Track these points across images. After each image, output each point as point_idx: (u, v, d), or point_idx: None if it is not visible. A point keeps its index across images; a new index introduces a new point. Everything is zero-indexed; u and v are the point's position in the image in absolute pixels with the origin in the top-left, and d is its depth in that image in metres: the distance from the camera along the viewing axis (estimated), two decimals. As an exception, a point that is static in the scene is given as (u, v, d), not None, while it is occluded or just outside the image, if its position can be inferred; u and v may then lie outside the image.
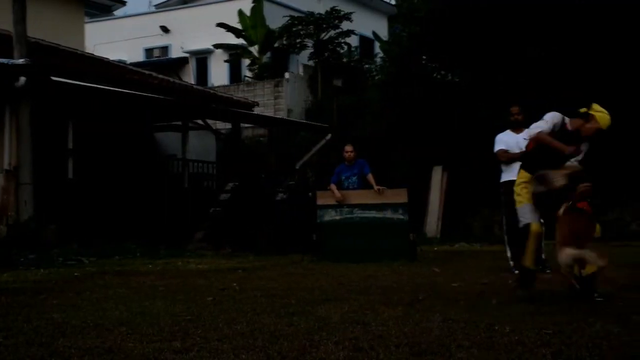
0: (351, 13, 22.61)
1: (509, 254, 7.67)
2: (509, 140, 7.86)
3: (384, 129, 17.57)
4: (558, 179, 5.26)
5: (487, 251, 11.19)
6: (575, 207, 5.16)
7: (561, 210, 5.18)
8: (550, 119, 5.43)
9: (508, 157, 7.75)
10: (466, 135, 15.81)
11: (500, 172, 7.97)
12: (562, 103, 14.91)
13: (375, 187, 9.68)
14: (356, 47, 24.66)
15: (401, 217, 9.50)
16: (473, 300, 5.20)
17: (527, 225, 5.46)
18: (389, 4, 26.43)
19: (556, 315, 4.34)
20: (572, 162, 5.46)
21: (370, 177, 9.89)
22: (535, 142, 5.53)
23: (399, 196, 9.65)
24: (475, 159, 15.46)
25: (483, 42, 16.34)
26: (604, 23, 14.60)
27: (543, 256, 7.60)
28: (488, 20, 16.18)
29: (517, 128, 7.89)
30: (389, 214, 9.51)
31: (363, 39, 26.43)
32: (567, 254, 4.87)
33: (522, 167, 5.77)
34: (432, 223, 15.57)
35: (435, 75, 18.89)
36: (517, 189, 5.69)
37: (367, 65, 23.77)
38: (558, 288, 5.74)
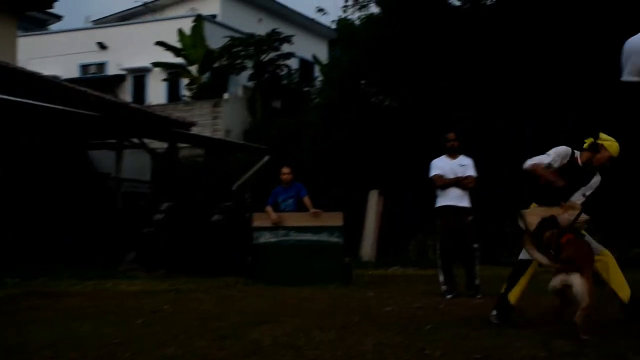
0: (292, 36, 22.77)
1: (441, 279, 7.76)
2: (444, 166, 7.96)
3: (322, 151, 17.65)
4: (532, 222, 5.26)
5: (421, 275, 11.29)
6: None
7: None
8: (553, 153, 5.42)
9: (443, 182, 7.85)
10: (402, 159, 16.03)
11: (435, 197, 8.06)
12: (498, 128, 15.34)
13: (312, 210, 9.70)
14: (296, 70, 24.79)
15: (336, 240, 9.51)
16: (406, 324, 5.23)
17: (525, 261, 5.48)
18: (329, 28, 26.70)
19: (485, 340, 4.41)
20: (578, 196, 5.52)
21: (306, 199, 9.90)
22: (527, 174, 5.53)
23: (335, 219, 9.68)
24: (411, 184, 15.68)
25: (421, 68, 16.67)
26: (539, 49, 15.05)
27: (476, 282, 7.74)
28: (426, 47, 16.53)
29: (453, 154, 8.03)
30: (324, 237, 9.51)
31: (303, 61, 26.61)
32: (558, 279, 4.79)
33: (532, 199, 5.72)
34: (368, 247, 15.64)
35: (373, 99, 19.14)
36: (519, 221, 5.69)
37: (306, 88, 23.91)
38: (487, 313, 5.84)
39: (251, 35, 22.47)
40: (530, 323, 5.24)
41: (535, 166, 5.43)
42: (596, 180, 5.49)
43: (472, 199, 7.93)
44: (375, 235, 15.74)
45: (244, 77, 23.18)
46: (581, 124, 11.27)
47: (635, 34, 3.45)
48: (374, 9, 18.98)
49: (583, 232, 5.27)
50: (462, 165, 7.96)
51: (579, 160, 5.41)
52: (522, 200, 5.76)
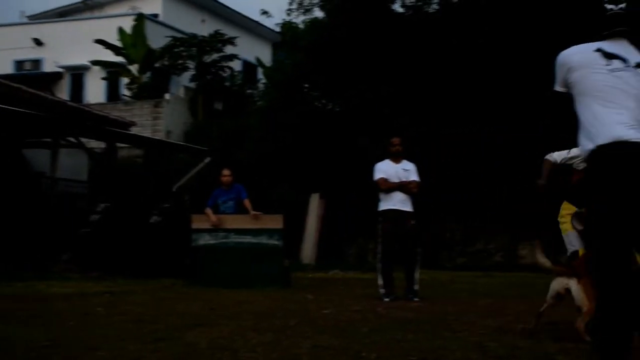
0: (235, 37, 22.65)
1: (380, 282, 7.80)
2: (388, 170, 7.99)
3: (264, 154, 17.59)
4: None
5: (360, 279, 11.36)
6: None
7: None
8: (575, 150, 5.37)
9: (388, 186, 7.88)
10: (344, 163, 16.10)
11: (378, 200, 8.09)
12: (443, 134, 15.53)
13: (252, 213, 9.65)
14: (239, 72, 24.66)
15: (276, 243, 9.48)
16: (343, 327, 5.23)
17: (576, 252, 5.45)
18: (273, 31, 26.65)
19: (421, 343, 4.43)
20: None
21: (247, 202, 9.84)
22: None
23: (275, 222, 9.64)
24: (352, 188, 15.76)
25: (364, 72, 16.80)
26: (482, 56, 15.33)
27: (416, 286, 7.81)
28: (370, 52, 16.67)
29: (397, 158, 8.09)
30: (264, 240, 9.47)
31: (246, 64, 26.49)
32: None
33: (566, 199, 5.71)
34: (308, 250, 15.66)
35: (316, 103, 19.19)
36: (562, 218, 5.68)
37: (249, 91, 23.80)
38: (424, 316, 5.90)
39: (194, 36, 22.26)
40: (466, 325, 5.31)
41: (545, 161, 5.51)
42: None
43: (414, 204, 8.00)
44: (316, 239, 15.78)
45: (185, 78, 22.93)
46: (548, 129, 11.46)
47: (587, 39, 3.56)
48: (318, 13, 19.07)
49: None
50: (406, 170, 8.03)
51: None
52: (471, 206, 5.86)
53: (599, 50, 3.35)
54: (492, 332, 4.96)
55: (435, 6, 17.71)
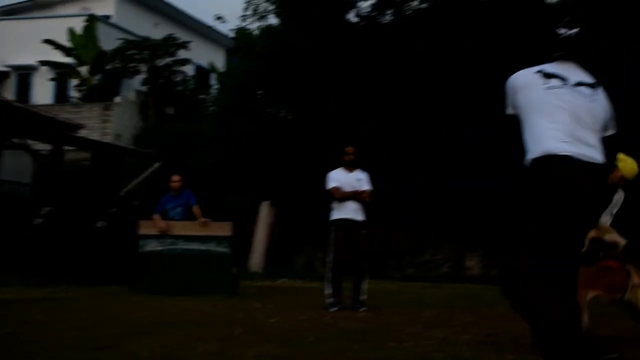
0: (188, 42, 22.45)
1: (328, 291, 7.78)
2: (341, 179, 7.97)
3: (215, 160, 17.45)
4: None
5: (308, 288, 11.34)
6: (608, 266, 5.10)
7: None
8: None
9: (341, 195, 7.86)
10: (295, 171, 16.09)
11: (329, 209, 8.08)
12: (396, 143, 15.62)
13: (200, 219, 9.55)
14: (192, 77, 24.44)
15: (224, 250, 9.40)
16: (289, 336, 5.19)
17: None
18: (227, 36, 26.51)
19: (367, 353, 4.43)
20: (606, 215, 5.59)
21: (196, 208, 9.74)
22: None
23: (224, 229, 9.56)
24: (302, 196, 15.75)
25: (318, 81, 16.83)
26: (441, 65, 15.51)
27: (363, 297, 7.82)
28: (324, 61, 16.71)
29: (350, 167, 8.10)
30: (212, 247, 9.38)
31: (199, 68, 26.30)
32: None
33: None
34: (257, 258, 15.57)
35: (269, 110, 19.13)
36: None
37: (202, 96, 23.60)
38: (371, 326, 5.91)
39: (146, 39, 21.98)
40: (412, 335, 5.33)
41: None
42: (619, 197, 5.63)
43: (367, 213, 8.02)
44: (265, 247, 15.70)
45: (137, 81, 22.62)
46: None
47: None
48: (273, 20, 19.02)
49: None
50: (359, 180, 8.05)
51: None
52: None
53: (539, 71, 3.49)
54: (437, 342, 4.99)
55: (389, 17, 17.87)
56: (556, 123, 3.33)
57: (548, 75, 3.47)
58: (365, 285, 7.90)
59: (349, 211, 7.88)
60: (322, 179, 8.15)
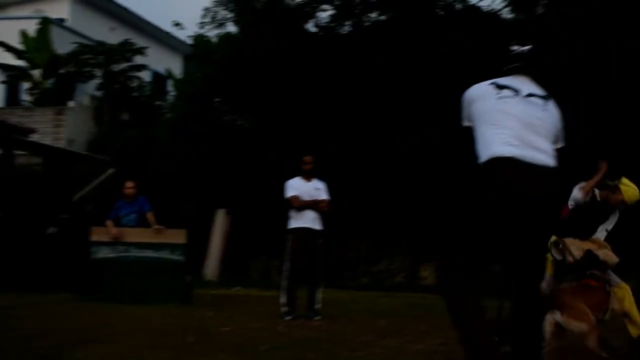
0: (145, 48, 22.19)
1: (283, 300, 7.75)
2: (300, 187, 7.96)
3: (171, 167, 17.27)
4: (575, 252, 5.34)
5: (262, 296, 11.27)
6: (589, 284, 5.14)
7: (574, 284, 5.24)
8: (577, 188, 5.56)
9: (300, 204, 7.84)
10: (252, 180, 16.02)
11: (285, 218, 8.05)
12: (353, 153, 15.68)
13: (154, 226, 9.43)
14: (148, 83, 24.16)
15: (178, 258, 9.29)
16: (242, 345, 5.15)
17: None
18: (185, 43, 26.32)
19: (320, 361, 4.43)
20: (601, 232, 5.63)
21: (150, 215, 9.62)
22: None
23: (178, 237, 9.46)
24: (259, 204, 15.68)
25: (275, 90, 16.82)
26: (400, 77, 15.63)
27: (318, 305, 7.82)
28: (282, 70, 16.71)
29: (308, 176, 8.09)
30: (166, 254, 9.26)
31: (156, 74, 26.00)
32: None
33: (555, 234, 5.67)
34: (212, 266, 15.43)
35: (226, 118, 19.03)
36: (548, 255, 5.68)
37: (158, 102, 23.33)
38: (324, 335, 5.90)
39: (102, 43, 21.65)
40: (365, 344, 5.33)
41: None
42: (614, 216, 5.71)
43: (324, 223, 8.03)
44: (220, 255, 15.58)
45: (92, 86, 22.25)
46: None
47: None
48: (231, 28, 18.96)
49: None
50: (317, 189, 8.06)
51: (598, 197, 5.61)
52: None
53: (493, 83, 3.60)
54: (390, 351, 5.01)
55: (348, 28, 17.97)
56: (505, 129, 3.40)
57: (500, 87, 3.56)
58: (320, 294, 7.90)
59: (307, 220, 7.87)
60: (279, 188, 8.13)
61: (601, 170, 5.58)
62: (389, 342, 5.53)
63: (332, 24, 17.83)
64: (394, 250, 16.04)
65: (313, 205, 7.89)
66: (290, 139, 15.81)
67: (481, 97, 3.58)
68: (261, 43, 17.00)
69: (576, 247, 5.36)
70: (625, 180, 5.61)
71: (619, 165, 5.86)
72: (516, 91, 3.54)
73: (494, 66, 3.94)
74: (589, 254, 5.28)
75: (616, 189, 5.52)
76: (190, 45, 24.51)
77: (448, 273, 3.44)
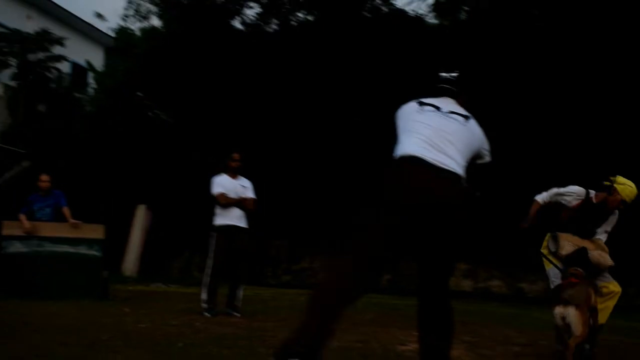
0: (64, 38, 21.52)
1: (204, 297, 7.70)
2: (227, 185, 7.93)
3: (90, 161, 16.84)
4: (566, 247, 5.40)
5: (182, 293, 11.15)
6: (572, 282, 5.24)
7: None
8: (565, 190, 5.68)
9: (227, 201, 7.81)
10: (173, 175, 15.83)
11: (208, 214, 7.99)
12: (277, 152, 15.65)
13: (71, 221, 9.19)
14: (67, 74, 23.44)
15: (95, 253, 9.09)
16: (158, 341, 5.09)
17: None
18: (107, 35, 25.67)
19: (237, 358, 4.43)
20: (602, 233, 5.68)
21: (66, 210, 9.37)
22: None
23: (95, 232, 9.25)
24: (180, 201, 15.51)
25: (199, 86, 16.64)
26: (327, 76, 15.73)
27: (237, 303, 7.81)
28: (207, 66, 16.55)
29: (234, 174, 8.07)
30: (82, 250, 9.05)
31: (76, 66, 25.24)
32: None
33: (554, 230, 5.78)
34: (131, 262, 15.17)
35: (149, 113, 18.70)
36: (545, 251, 5.76)
37: (77, 95, 22.67)
38: (242, 332, 5.90)
39: (17, 32, 20.87)
40: (282, 341, 5.35)
41: (534, 202, 5.73)
42: (613, 217, 5.73)
43: (249, 221, 8.03)
44: (140, 251, 15.32)
45: (6, 75, 21.42)
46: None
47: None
48: (155, 21, 18.66)
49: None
50: (244, 187, 8.04)
51: (594, 199, 5.65)
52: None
53: (418, 102, 3.77)
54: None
55: (274, 26, 17.97)
56: (420, 135, 3.54)
57: (423, 104, 3.74)
58: (241, 292, 7.90)
59: (233, 217, 7.86)
60: (201, 184, 8.06)
61: (534, 207, 5.78)
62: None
63: (258, 22, 17.79)
64: (315, 249, 16.15)
65: (239, 203, 7.88)
66: (214, 136, 15.70)
67: (406, 112, 3.75)
68: (186, 38, 16.81)
69: (571, 243, 5.48)
70: (620, 178, 5.64)
71: (613, 166, 6.02)
72: (438, 108, 3.71)
73: (421, 80, 4.11)
74: (581, 251, 5.39)
75: (613, 190, 5.57)
76: (113, 37, 23.93)
77: (335, 266, 3.39)
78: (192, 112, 16.88)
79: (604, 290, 5.52)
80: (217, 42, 16.85)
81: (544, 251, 5.79)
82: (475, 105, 3.93)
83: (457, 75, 3.95)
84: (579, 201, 5.67)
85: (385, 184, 3.38)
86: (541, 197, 5.86)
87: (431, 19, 16.64)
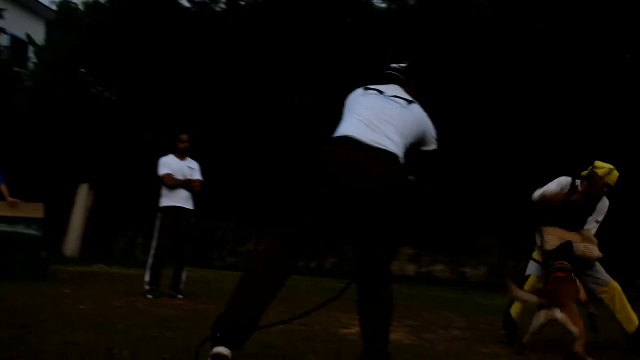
0: (3, 10, 20.77)
1: (147, 278, 7.60)
2: (174, 166, 7.85)
3: (30, 138, 16.37)
4: (550, 241, 5.37)
5: (125, 274, 10.98)
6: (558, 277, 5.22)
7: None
8: (556, 182, 5.68)
9: (174, 183, 7.74)
10: (117, 155, 15.53)
11: (152, 195, 7.89)
12: (225, 135, 15.51)
13: (9, 199, 8.93)
14: (6, 48, 22.66)
15: (34, 233, 8.85)
16: (99, 323, 4.98)
17: (527, 277, 5.68)
18: (49, 8, 24.90)
19: (178, 341, 4.37)
20: (592, 223, 5.62)
21: (3, 187, 9.08)
22: (539, 204, 5.65)
23: (35, 211, 9.00)
24: (124, 180, 15.23)
25: (145, 64, 16.32)
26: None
27: (181, 285, 7.74)
28: (153, 44, 16.24)
29: (182, 155, 7.96)
30: (21, 229, 8.79)
31: (15, 40, 24.43)
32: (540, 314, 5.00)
33: (544, 223, 5.74)
34: (72, 242, 14.85)
35: (92, 90, 18.28)
36: (537, 237, 5.73)
37: (17, 69, 21.94)
38: (185, 314, 5.85)
39: (-48, 2, 20.07)
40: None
41: (543, 195, 5.65)
42: (603, 205, 5.68)
43: (196, 203, 7.95)
44: (82, 231, 15.01)
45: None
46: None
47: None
48: (100, -5, 18.20)
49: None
50: (191, 168, 7.96)
51: (579, 188, 5.61)
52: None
53: (364, 87, 3.80)
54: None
55: (223, 5, 17.74)
56: (359, 116, 3.54)
57: (368, 89, 3.77)
58: (185, 274, 7.84)
59: (179, 199, 7.79)
60: (149, 164, 7.94)
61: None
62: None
63: (206, 1, 17.54)
64: (261, 232, 16.13)
65: (186, 184, 7.80)
66: (163, 115, 15.45)
67: (352, 97, 3.77)
68: (131, 14, 16.45)
69: (556, 237, 5.46)
70: (598, 163, 5.62)
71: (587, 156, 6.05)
72: (380, 92, 3.73)
73: (369, 63, 4.16)
74: (565, 245, 5.37)
75: (593, 175, 5.56)
76: (55, 11, 23.22)
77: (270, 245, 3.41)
78: (139, 90, 16.56)
79: (604, 296, 5.54)
80: (163, 20, 16.54)
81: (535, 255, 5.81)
82: (425, 95, 3.97)
83: (407, 66, 3.98)
84: (564, 192, 5.66)
85: (320, 164, 3.35)
86: (548, 188, 5.78)
87: (380, 3, 16.70)
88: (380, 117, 3.50)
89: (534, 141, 13.25)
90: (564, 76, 13.17)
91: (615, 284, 5.55)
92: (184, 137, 8.02)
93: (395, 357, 3.83)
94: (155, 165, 7.93)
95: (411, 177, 3.68)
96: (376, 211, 3.24)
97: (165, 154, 8.02)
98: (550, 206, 5.69)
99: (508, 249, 14.47)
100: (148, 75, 16.34)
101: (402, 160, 3.42)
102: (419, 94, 3.91)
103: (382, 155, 3.31)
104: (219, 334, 3.14)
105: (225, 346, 3.10)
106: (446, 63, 13.50)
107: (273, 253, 3.32)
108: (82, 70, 18.09)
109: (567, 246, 5.37)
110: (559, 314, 4.83)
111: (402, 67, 3.97)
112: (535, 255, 5.73)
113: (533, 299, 5.06)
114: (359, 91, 3.78)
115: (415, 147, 3.69)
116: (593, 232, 5.66)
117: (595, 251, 5.42)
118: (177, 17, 16.85)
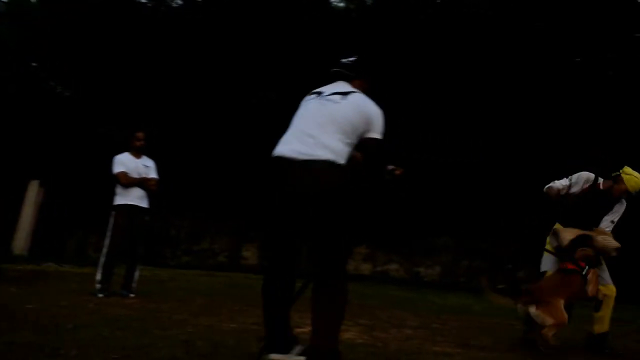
0: (-49, 0, 20.25)
1: (99, 277, 7.45)
2: (129, 164, 7.73)
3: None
4: (566, 237, 5.37)
5: (76, 273, 10.76)
6: (566, 268, 5.29)
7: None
8: (575, 177, 5.70)
9: (129, 181, 7.62)
10: (69, 151, 15.24)
11: (111, 194, 7.75)
12: (181, 132, 15.34)
13: (-46, 195, 8.69)
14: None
15: (-19, 230, 8.63)
16: (46, 323, 4.87)
17: (544, 273, 5.64)
18: (-1, 0, 24.32)
19: (128, 340, 4.30)
20: (607, 223, 5.60)
21: (-51, 183, 8.84)
22: (546, 197, 5.68)
23: (-18, 208, 8.78)
24: (77, 178, 14.95)
25: (100, 59, 16.06)
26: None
27: (133, 284, 7.62)
28: (107, 39, 15.98)
29: (138, 153, 7.85)
30: (-34, 226, 8.57)
31: (-35, 31, 23.82)
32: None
33: (558, 219, 5.76)
34: (21, 240, 14.50)
35: (44, 85, 17.88)
36: (548, 247, 5.72)
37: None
38: (137, 313, 5.76)
39: None
40: (177, 323, 5.27)
41: (549, 189, 5.68)
42: (620, 207, 5.69)
43: (150, 201, 7.84)
44: (31, 228, 14.67)
45: None
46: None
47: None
48: (53, -13, 17.80)
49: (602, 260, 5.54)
50: (147, 167, 7.85)
51: (601, 186, 5.66)
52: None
53: (311, 92, 3.93)
54: (202, 330, 4.99)
55: (179, 1, 17.55)
56: (294, 128, 3.74)
57: (312, 93, 3.90)
58: (137, 272, 7.72)
59: (134, 197, 7.68)
60: (100, 161, 7.80)
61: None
62: (202, 321, 5.51)
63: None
64: (217, 230, 16.02)
65: (141, 183, 7.69)
66: (119, 112, 15.21)
67: (300, 105, 3.92)
68: (85, 7, 16.15)
69: (573, 233, 5.50)
70: (627, 169, 5.71)
71: (621, 156, 6.13)
72: (320, 93, 3.84)
73: (324, 63, 4.20)
74: (581, 237, 5.42)
75: (619, 179, 5.64)
76: (4, 2, 22.67)
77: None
78: (93, 85, 16.28)
79: (598, 295, 5.59)
80: (119, 14, 16.29)
81: (548, 247, 5.83)
82: (376, 88, 3.99)
83: (354, 60, 4.00)
84: (585, 187, 5.73)
85: (263, 184, 3.68)
86: (558, 183, 5.81)
87: (338, 3, 16.74)
88: (316, 122, 3.65)
89: (501, 141, 13.43)
90: (555, 77, 13.37)
91: (613, 289, 5.64)
92: (140, 134, 7.90)
93: (347, 355, 3.85)
94: (109, 162, 7.80)
95: (398, 170, 4.03)
96: (314, 213, 3.51)
97: (120, 151, 7.89)
98: (552, 200, 5.80)
99: (461, 249, 14.66)
100: (103, 70, 16.06)
101: (340, 159, 3.58)
102: (370, 85, 3.97)
103: (310, 166, 3.51)
104: (264, 344, 3.77)
105: (275, 352, 3.70)
106: (404, 59, 13.60)
107: (264, 276, 3.84)
108: (34, 64, 17.69)
109: (585, 237, 5.46)
110: (533, 310, 5.05)
111: (350, 61, 4.00)
112: (548, 246, 5.81)
113: (509, 303, 5.28)
114: (306, 98, 3.89)
115: (365, 134, 3.73)
116: (607, 231, 5.72)
117: (613, 242, 5.49)
118: (133, 12, 16.61)
